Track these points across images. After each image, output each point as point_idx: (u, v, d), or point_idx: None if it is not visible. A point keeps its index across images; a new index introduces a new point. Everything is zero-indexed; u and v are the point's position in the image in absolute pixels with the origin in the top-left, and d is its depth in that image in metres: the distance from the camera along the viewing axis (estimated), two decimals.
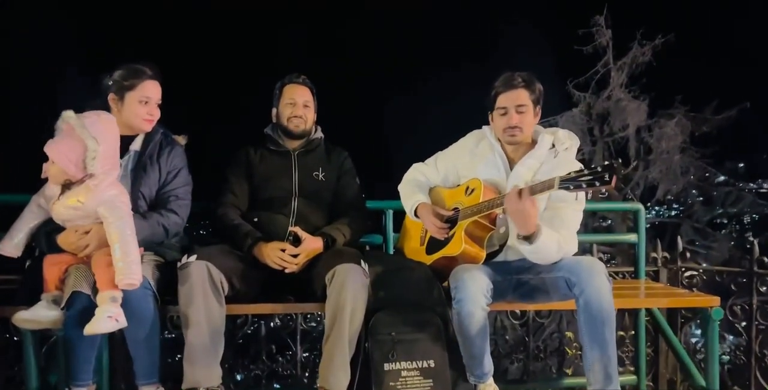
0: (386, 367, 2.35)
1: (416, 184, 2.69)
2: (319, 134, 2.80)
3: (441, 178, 2.69)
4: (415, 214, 2.62)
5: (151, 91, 2.43)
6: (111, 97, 2.43)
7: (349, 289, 2.29)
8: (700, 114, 10.69)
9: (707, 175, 11.20)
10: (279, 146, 2.74)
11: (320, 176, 2.71)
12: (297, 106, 2.72)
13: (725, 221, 13.33)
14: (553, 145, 2.46)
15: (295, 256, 2.43)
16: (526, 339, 3.17)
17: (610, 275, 2.44)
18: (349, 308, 2.29)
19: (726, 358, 3.43)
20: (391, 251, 2.99)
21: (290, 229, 2.53)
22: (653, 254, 3.41)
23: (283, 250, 2.42)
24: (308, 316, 3.15)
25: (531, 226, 2.19)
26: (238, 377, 3.20)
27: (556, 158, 2.42)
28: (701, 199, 11.57)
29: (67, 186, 2.21)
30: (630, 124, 10.63)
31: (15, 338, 2.86)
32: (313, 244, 2.49)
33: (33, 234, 2.31)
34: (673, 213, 12.66)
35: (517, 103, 2.41)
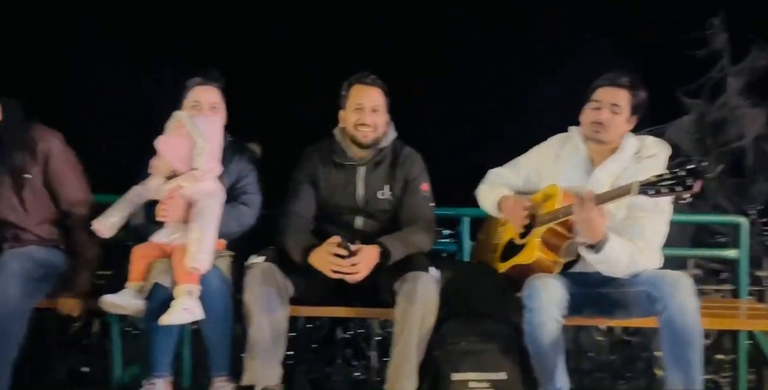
0: (454, 376, 2.28)
1: (495, 186, 2.61)
2: (390, 137, 2.58)
3: (522, 180, 2.58)
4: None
5: (200, 95, 2.49)
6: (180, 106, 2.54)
7: (420, 297, 2.25)
8: None
9: None
10: (345, 159, 2.54)
11: (385, 194, 2.54)
12: (364, 111, 2.48)
13: None
14: (638, 152, 2.33)
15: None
16: (611, 357, 3.00)
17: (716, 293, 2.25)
18: (419, 316, 2.26)
19: None
20: (467, 259, 2.93)
21: (335, 241, 2.32)
22: (758, 273, 3.14)
23: (340, 256, 2.28)
24: (384, 322, 3.15)
25: (597, 234, 2.08)
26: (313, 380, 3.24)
27: (639, 164, 2.28)
28: None
29: (170, 178, 2.34)
30: (747, 132, 9.85)
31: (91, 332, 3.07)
32: (368, 253, 2.30)
33: (128, 222, 2.40)
34: None
35: (612, 101, 2.31)
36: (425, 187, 2.57)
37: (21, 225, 2.41)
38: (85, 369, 3.09)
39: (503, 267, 2.44)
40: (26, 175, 2.38)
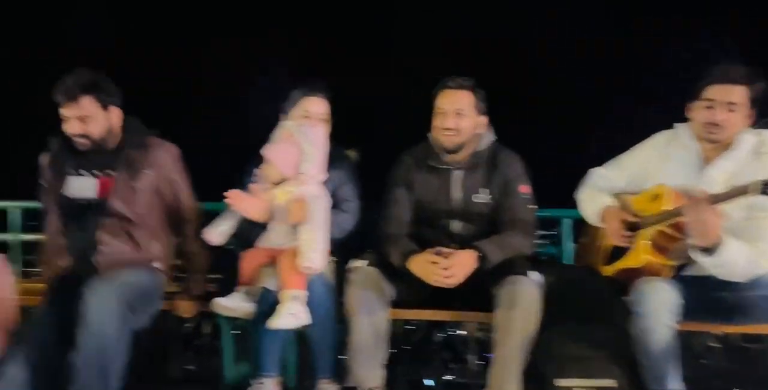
0: (559, 382, 2.23)
1: (597, 190, 2.53)
2: (487, 140, 2.57)
3: (626, 182, 2.49)
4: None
5: (310, 106, 2.58)
6: (282, 116, 2.63)
7: (521, 301, 2.23)
8: None
9: None
10: (439, 162, 2.55)
11: (483, 197, 2.51)
12: (446, 115, 2.47)
13: None
14: (757, 148, 2.19)
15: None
16: (727, 364, 2.82)
17: None
18: (521, 321, 2.23)
19: None
20: (568, 262, 2.86)
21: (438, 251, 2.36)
22: None
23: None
24: (481, 325, 3.12)
25: (711, 237, 1.97)
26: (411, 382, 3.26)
27: (758, 161, 2.14)
28: None
29: (277, 184, 2.42)
30: None
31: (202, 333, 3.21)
32: (463, 257, 2.30)
33: (237, 229, 2.45)
34: None
35: (728, 100, 2.16)
36: (524, 189, 2.53)
37: (126, 215, 2.40)
38: (192, 367, 3.24)
39: (609, 270, 2.36)
40: (144, 172, 2.44)
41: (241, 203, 2.35)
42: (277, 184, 2.41)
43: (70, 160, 2.44)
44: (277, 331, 2.31)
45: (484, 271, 2.32)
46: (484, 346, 3.15)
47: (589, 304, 2.32)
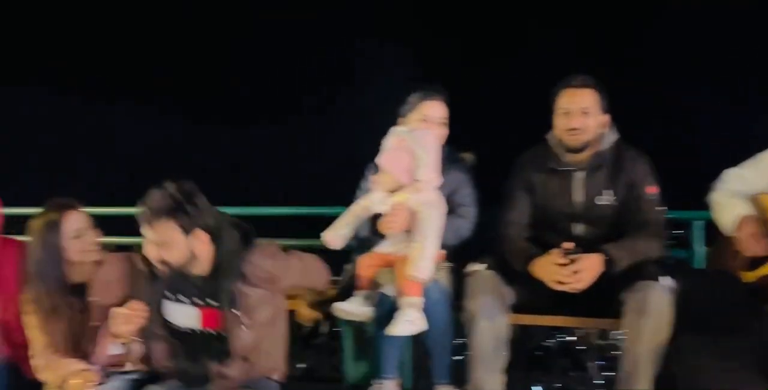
0: None
1: (732, 193, 2.36)
2: (610, 139, 2.45)
3: (765, 181, 2.32)
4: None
5: (429, 110, 2.57)
6: (399, 119, 2.63)
7: (652, 309, 2.13)
8: None
9: None
10: (560, 164, 2.46)
11: (606, 199, 2.41)
12: (572, 115, 2.38)
13: None
14: None
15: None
16: None
17: None
18: (651, 329, 2.13)
19: None
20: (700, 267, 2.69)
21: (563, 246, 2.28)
22: None
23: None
24: (603, 331, 3.00)
25: None
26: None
27: None
28: None
29: (393, 191, 2.42)
30: None
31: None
32: (590, 261, 2.22)
33: (356, 233, 2.49)
34: None
35: None
36: (652, 189, 2.41)
37: (240, 347, 2.08)
38: (305, 365, 3.32)
39: (750, 276, 2.21)
40: (252, 305, 2.06)
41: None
42: (394, 191, 2.41)
43: (165, 281, 2.09)
44: (394, 336, 2.33)
45: (610, 276, 2.22)
46: (603, 353, 3.02)
47: (727, 312, 2.18)
